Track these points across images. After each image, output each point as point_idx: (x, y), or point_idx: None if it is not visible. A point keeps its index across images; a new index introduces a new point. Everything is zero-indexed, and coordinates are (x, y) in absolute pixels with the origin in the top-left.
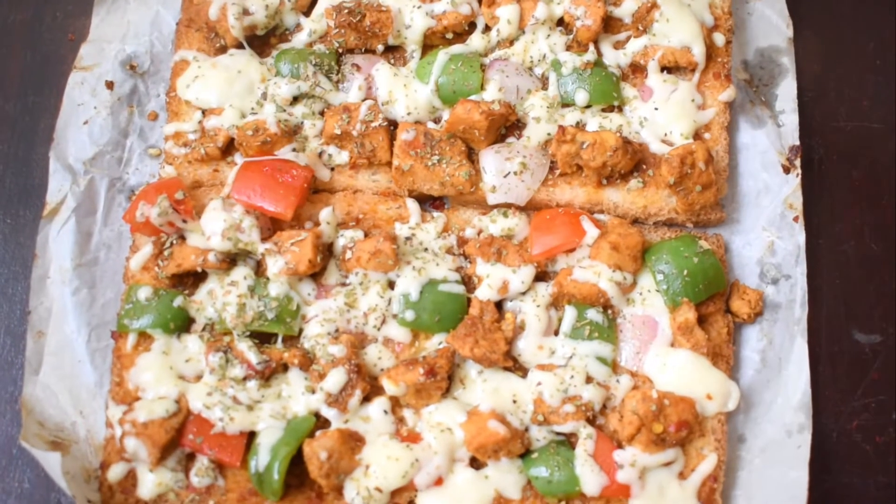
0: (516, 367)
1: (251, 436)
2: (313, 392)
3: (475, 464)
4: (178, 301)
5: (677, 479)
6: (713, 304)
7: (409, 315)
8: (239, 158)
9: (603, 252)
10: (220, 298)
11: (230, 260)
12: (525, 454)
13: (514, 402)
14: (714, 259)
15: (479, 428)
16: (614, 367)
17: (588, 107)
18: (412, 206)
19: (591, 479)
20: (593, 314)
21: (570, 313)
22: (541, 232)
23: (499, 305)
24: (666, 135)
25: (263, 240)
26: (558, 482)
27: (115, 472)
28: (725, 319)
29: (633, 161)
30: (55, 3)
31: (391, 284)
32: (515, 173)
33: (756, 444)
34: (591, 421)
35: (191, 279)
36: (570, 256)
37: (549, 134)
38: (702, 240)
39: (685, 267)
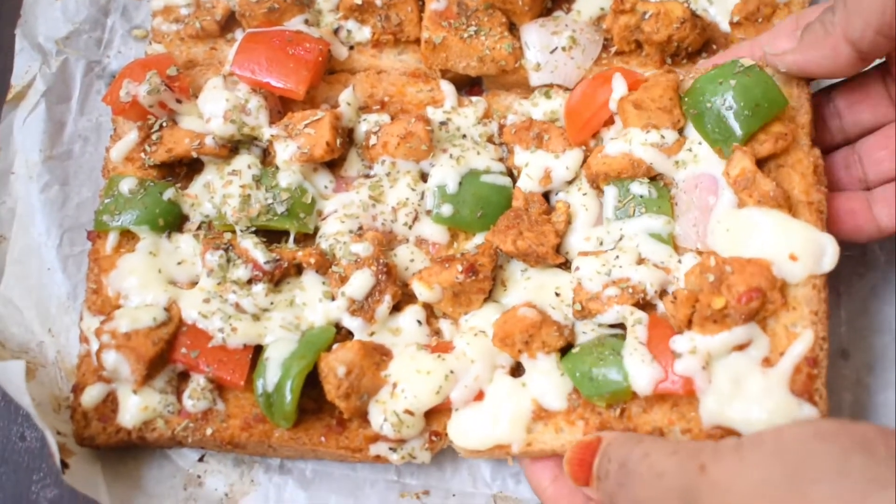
0: (567, 266)
1: (257, 350)
2: (333, 298)
3: (518, 372)
4: (169, 193)
5: (760, 366)
6: (775, 128)
7: (447, 210)
8: (240, 35)
9: (629, 115)
10: (219, 191)
11: (231, 148)
12: (567, 351)
13: (558, 294)
14: (760, 73)
15: (506, 317)
16: (675, 247)
17: None
18: (447, 87)
19: (641, 372)
20: (637, 187)
21: (609, 192)
22: (573, 108)
23: (546, 199)
24: None
25: (271, 124)
26: (603, 378)
27: (92, 395)
28: (808, 154)
29: (702, 38)
30: None
31: (423, 177)
32: (564, 49)
33: (862, 359)
34: (643, 309)
35: (183, 170)
36: (611, 130)
37: (602, 9)
38: (743, 59)
39: (723, 93)
